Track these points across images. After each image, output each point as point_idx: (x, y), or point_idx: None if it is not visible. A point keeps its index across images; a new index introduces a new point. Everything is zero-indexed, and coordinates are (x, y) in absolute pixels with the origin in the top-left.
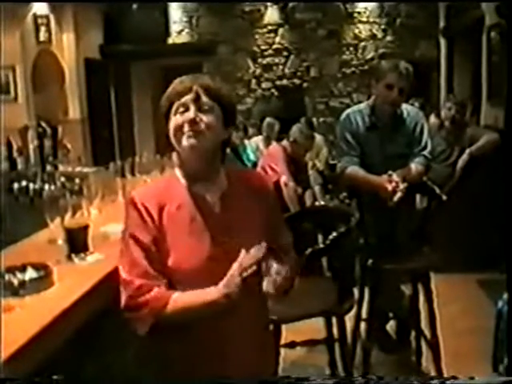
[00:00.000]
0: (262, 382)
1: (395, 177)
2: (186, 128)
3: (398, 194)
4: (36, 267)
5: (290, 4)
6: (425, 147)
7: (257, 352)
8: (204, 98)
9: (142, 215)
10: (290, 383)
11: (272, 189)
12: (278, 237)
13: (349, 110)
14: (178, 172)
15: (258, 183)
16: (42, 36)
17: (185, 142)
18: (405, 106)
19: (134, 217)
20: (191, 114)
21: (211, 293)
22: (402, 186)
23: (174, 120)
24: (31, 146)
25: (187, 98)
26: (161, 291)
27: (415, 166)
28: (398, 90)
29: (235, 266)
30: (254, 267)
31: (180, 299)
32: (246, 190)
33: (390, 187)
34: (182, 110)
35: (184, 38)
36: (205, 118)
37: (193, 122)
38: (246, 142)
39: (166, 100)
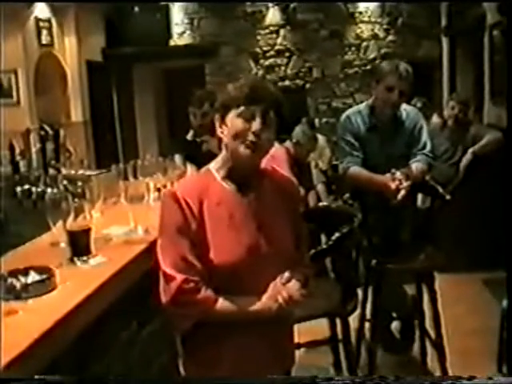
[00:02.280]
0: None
1: (398, 175)
2: (250, 137)
3: (402, 192)
4: (38, 270)
5: (292, 5)
6: (424, 147)
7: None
8: (271, 114)
9: (184, 210)
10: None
11: (296, 187)
12: (299, 238)
13: (348, 111)
14: (213, 169)
15: (287, 185)
16: (44, 39)
17: (243, 150)
18: (404, 107)
19: (176, 211)
20: (258, 125)
21: (255, 303)
22: (405, 183)
23: (236, 123)
24: (34, 150)
25: (257, 108)
26: (208, 293)
27: (417, 164)
28: (399, 92)
29: (278, 280)
30: (303, 291)
31: (225, 304)
32: (276, 190)
33: (393, 185)
34: (247, 116)
35: (186, 40)
36: (266, 132)
37: (257, 134)
38: None
39: (231, 99)
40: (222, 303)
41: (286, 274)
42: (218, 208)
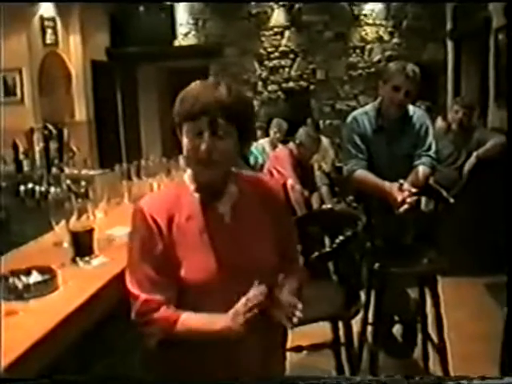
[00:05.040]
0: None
1: (407, 186)
2: (200, 156)
3: (405, 206)
4: (41, 270)
5: (297, 6)
6: (429, 148)
7: (266, 354)
8: (220, 121)
9: (150, 227)
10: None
11: (282, 195)
12: (287, 246)
13: (355, 113)
14: (187, 180)
15: (269, 190)
16: (49, 38)
17: (199, 168)
18: (411, 108)
19: (142, 229)
20: (206, 141)
21: (219, 322)
22: (411, 199)
23: (187, 142)
24: (37, 149)
25: (202, 121)
26: (168, 312)
27: (422, 168)
28: (405, 92)
29: (243, 300)
30: (260, 304)
31: (187, 322)
32: (257, 197)
33: (399, 197)
34: (194, 132)
35: (190, 41)
36: (220, 144)
37: (207, 152)
38: (253, 144)
39: (178, 116)
40: (183, 322)
41: (251, 293)
42: (188, 223)
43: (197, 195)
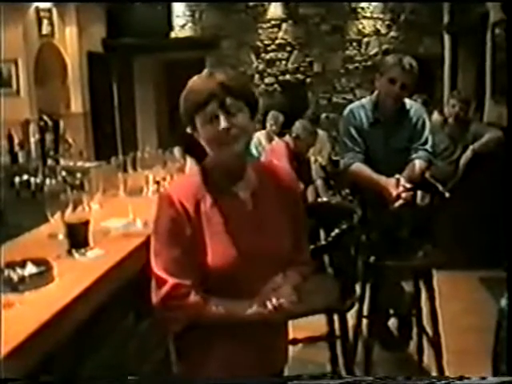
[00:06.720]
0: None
1: (403, 182)
2: (221, 139)
3: (400, 201)
4: (36, 262)
5: None
6: (425, 142)
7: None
8: (229, 100)
9: (179, 214)
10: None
11: (297, 183)
12: (299, 234)
13: (352, 105)
14: (207, 168)
15: (285, 178)
16: (45, 29)
17: (223, 152)
18: (408, 101)
19: (171, 214)
20: (223, 123)
21: (247, 308)
22: (406, 194)
23: (206, 131)
24: (33, 140)
25: (212, 106)
26: (197, 298)
27: (419, 162)
28: (401, 85)
29: (270, 287)
30: (293, 297)
31: (216, 308)
32: (274, 184)
33: (394, 193)
34: (208, 118)
35: (187, 33)
36: (236, 120)
37: (227, 132)
38: None
39: (187, 112)
40: (211, 308)
41: (277, 280)
42: (213, 210)
43: (219, 183)
